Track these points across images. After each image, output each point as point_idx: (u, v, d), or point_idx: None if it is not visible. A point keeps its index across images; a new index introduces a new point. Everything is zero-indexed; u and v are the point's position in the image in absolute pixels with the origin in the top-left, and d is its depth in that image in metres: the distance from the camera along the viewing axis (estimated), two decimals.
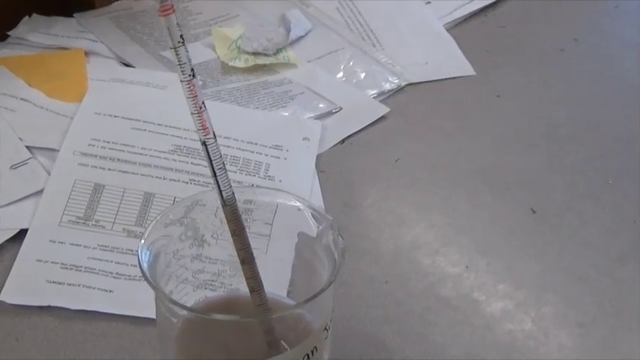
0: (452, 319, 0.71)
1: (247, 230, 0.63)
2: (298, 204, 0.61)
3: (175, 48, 0.50)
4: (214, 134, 0.52)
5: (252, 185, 0.82)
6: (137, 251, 0.56)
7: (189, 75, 0.51)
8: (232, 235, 0.55)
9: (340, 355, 0.65)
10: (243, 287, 0.63)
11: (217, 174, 0.53)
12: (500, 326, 0.71)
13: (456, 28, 1.09)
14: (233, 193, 0.54)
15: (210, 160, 0.53)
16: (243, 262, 0.55)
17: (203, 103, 0.52)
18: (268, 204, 0.64)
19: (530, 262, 0.76)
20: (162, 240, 0.60)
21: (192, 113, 0.52)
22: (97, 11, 1.05)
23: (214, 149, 0.53)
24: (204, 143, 0.52)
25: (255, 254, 0.65)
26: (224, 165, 0.53)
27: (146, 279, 0.54)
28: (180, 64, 0.50)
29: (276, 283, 0.65)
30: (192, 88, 0.51)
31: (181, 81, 0.51)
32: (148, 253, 0.57)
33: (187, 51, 0.50)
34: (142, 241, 0.57)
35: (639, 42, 1.06)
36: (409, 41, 1.05)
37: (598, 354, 0.69)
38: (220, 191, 0.54)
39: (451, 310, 0.72)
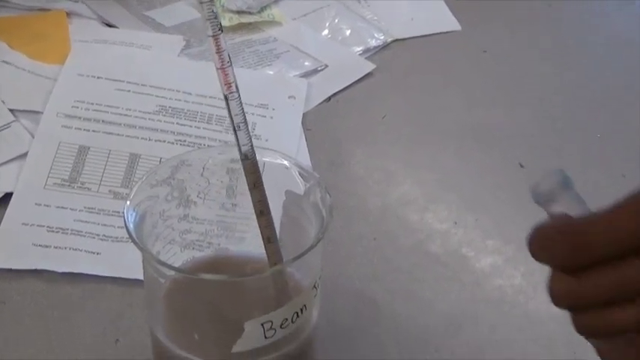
0: (440, 275, 0.71)
1: (234, 190, 0.62)
2: (285, 162, 0.61)
3: (205, 2, 0.51)
4: (237, 88, 0.54)
5: None
6: (123, 213, 0.55)
7: (218, 30, 0.52)
8: (251, 189, 0.56)
9: (329, 312, 0.64)
10: (231, 247, 0.63)
11: (237, 128, 0.54)
12: (490, 282, 0.71)
13: None
14: (252, 147, 0.55)
15: (231, 115, 0.54)
16: (261, 213, 0.56)
17: (229, 57, 0.53)
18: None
19: (519, 217, 0.76)
20: (149, 201, 0.59)
21: (217, 68, 0.53)
22: None
23: (236, 105, 0.54)
24: (226, 98, 0.54)
25: (242, 215, 0.64)
26: (245, 120, 0.54)
27: (133, 240, 0.54)
28: (209, 19, 0.51)
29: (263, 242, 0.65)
30: (219, 43, 0.53)
31: (209, 36, 0.52)
32: (134, 214, 0.57)
33: (215, 6, 0.51)
34: (128, 202, 0.57)
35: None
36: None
37: None
38: (239, 146, 0.55)
39: (440, 266, 0.72)
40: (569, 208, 0.45)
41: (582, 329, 0.45)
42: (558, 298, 0.45)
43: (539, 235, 0.44)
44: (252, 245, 0.63)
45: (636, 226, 0.42)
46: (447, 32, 1.00)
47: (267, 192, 0.64)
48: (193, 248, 0.63)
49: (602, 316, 0.44)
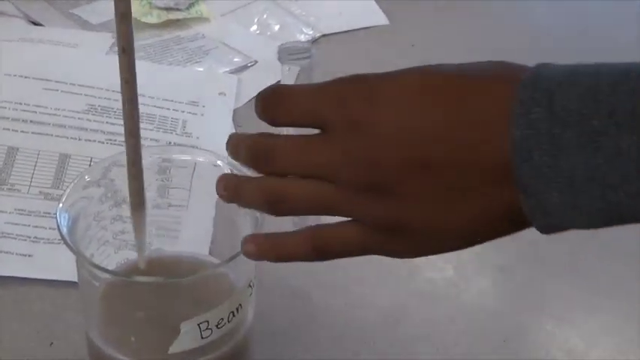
0: (376, 270, 0.72)
1: (166, 189, 0.62)
2: (218, 161, 0.61)
3: None
4: None
5: (170, 143, 0.81)
6: (56, 215, 0.55)
7: None
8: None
9: (266, 309, 0.65)
10: (165, 247, 0.63)
11: None
12: (423, 274, 0.72)
13: None
14: None
15: None
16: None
17: None
18: (186, 162, 0.64)
19: None
20: (81, 202, 0.59)
21: None
22: None
23: None
24: None
25: (174, 214, 0.65)
26: None
27: (66, 243, 0.54)
28: None
29: (197, 241, 0.65)
30: None
31: None
32: (66, 216, 0.56)
33: None
34: (60, 204, 0.56)
35: None
36: None
37: (519, 299, 0.71)
38: None
39: (375, 261, 0.73)
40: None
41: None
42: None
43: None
44: (186, 245, 0.64)
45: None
46: (375, 27, 1.01)
47: (200, 192, 0.64)
48: (127, 249, 0.63)
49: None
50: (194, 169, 0.65)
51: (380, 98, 0.50)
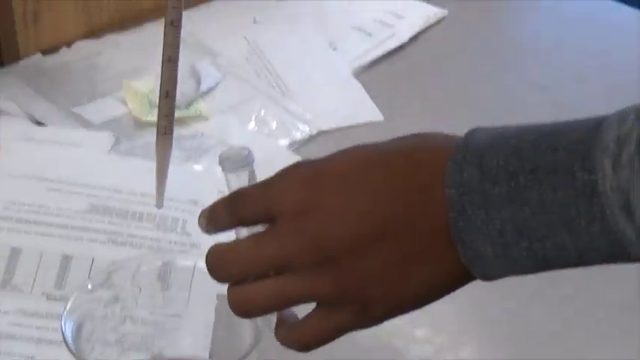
0: None
1: (166, 292, 0.64)
2: None
3: None
4: None
5: (170, 242, 0.83)
6: (60, 325, 0.57)
7: None
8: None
9: None
10: (166, 352, 0.65)
11: None
12: None
13: (364, 73, 1.11)
14: None
15: None
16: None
17: None
18: (186, 266, 0.66)
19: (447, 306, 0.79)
20: (86, 306, 0.61)
21: None
22: (6, 69, 1.05)
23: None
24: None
25: (175, 318, 0.66)
26: None
27: (71, 352, 0.55)
28: None
29: (197, 345, 0.66)
30: None
31: None
32: (71, 324, 0.58)
33: None
34: (65, 312, 0.58)
35: (541, 83, 1.10)
36: (318, 88, 1.07)
37: None
38: None
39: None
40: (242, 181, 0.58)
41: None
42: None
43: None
44: (186, 348, 0.65)
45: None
46: (370, 122, 1.03)
47: (199, 295, 0.65)
48: (130, 350, 0.64)
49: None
50: (193, 273, 0.66)
51: (323, 180, 0.53)
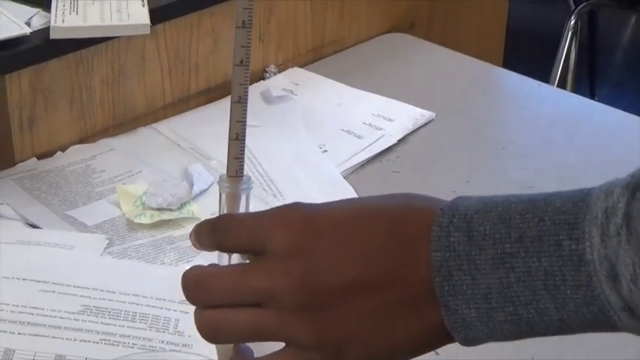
0: None
1: None
2: None
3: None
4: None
5: (162, 342, 0.84)
6: None
7: None
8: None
9: None
10: None
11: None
12: None
13: (354, 174, 1.13)
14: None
15: None
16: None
17: None
18: None
19: None
20: None
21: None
22: (1, 173, 1.07)
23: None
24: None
25: None
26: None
27: None
28: None
29: None
30: None
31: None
32: None
33: None
34: None
35: (525, 182, 1.12)
36: (308, 190, 1.09)
37: None
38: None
39: None
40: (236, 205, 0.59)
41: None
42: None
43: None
44: None
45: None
46: None
47: None
48: None
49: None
50: None
51: (317, 226, 0.54)
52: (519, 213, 0.51)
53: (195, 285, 0.57)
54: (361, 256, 0.53)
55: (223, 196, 0.60)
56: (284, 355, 0.55)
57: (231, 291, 0.55)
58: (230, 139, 0.60)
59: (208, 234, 0.59)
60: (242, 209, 0.61)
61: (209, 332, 0.56)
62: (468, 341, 0.52)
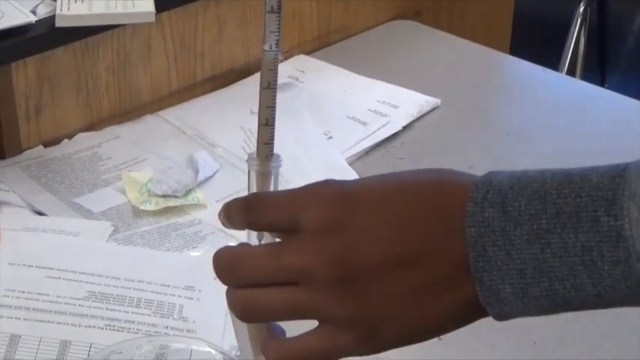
0: None
1: None
2: (212, 350, 0.64)
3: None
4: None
5: (167, 327, 0.84)
6: None
7: None
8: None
9: None
10: None
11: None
12: None
13: (359, 161, 1.14)
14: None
15: None
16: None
17: None
18: (183, 351, 0.67)
19: None
20: None
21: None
22: (8, 161, 1.08)
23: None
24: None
25: None
26: None
27: None
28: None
29: None
30: None
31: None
32: None
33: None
34: None
35: (528, 167, 1.12)
36: (313, 176, 1.09)
37: None
38: None
39: None
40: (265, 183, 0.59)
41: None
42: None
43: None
44: None
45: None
46: None
47: None
48: None
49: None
50: (190, 357, 0.68)
51: (351, 202, 0.54)
52: (555, 188, 0.51)
53: (228, 265, 0.56)
54: (396, 232, 0.53)
55: (252, 174, 0.59)
56: (318, 333, 0.55)
57: (265, 270, 0.55)
58: (260, 125, 0.59)
59: (240, 213, 0.57)
60: (272, 187, 0.60)
61: (243, 311, 0.56)
62: (503, 316, 0.53)
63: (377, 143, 1.16)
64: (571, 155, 1.13)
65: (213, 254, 0.57)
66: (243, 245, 0.58)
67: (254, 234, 0.59)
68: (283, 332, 0.58)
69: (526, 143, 1.17)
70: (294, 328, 0.57)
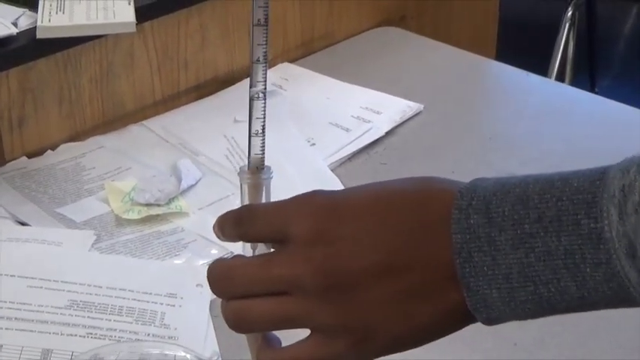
0: None
1: None
2: (187, 355, 0.64)
3: None
4: None
5: (148, 335, 0.85)
6: None
7: None
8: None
9: None
10: None
11: None
12: None
13: (341, 167, 1.14)
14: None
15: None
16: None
17: None
18: (164, 358, 0.67)
19: None
20: None
21: None
22: None
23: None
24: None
25: None
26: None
27: None
28: None
29: None
30: None
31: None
32: None
33: None
34: None
35: (511, 172, 1.12)
36: (296, 183, 1.09)
37: None
38: None
39: None
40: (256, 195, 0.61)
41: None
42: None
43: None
44: None
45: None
46: None
47: None
48: None
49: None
50: None
51: (338, 212, 0.55)
52: (537, 193, 0.51)
53: (221, 277, 0.57)
54: (382, 240, 0.54)
55: (245, 187, 0.61)
56: (310, 341, 0.56)
57: (256, 281, 0.56)
58: (250, 136, 0.60)
59: (232, 225, 0.59)
60: (263, 199, 0.61)
61: (236, 322, 0.57)
62: (491, 321, 0.54)
63: (359, 149, 1.17)
64: (553, 158, 1.14)
65: (207, 267, 0.59)
66: (236, 257, 0.59)
67: (248, 245, 0.59)
68: (279, 341, 0.59)
69: (508, 148, 1.18)
70: (293, 337, 0.58)
